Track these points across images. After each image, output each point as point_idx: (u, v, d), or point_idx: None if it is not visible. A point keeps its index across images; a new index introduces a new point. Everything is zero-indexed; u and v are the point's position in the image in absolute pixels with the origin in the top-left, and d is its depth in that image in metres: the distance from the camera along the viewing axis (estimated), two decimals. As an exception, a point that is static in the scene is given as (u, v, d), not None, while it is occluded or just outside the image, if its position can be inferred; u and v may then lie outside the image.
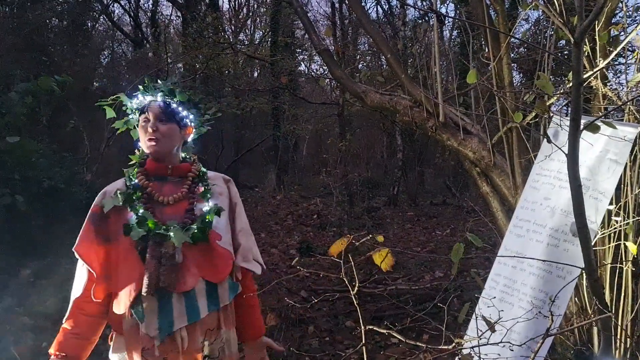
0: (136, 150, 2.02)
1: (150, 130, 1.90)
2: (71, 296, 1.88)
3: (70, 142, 8.99)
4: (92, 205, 1.90)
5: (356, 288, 2.03)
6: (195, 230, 1.86)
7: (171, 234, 1.81)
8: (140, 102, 1.97)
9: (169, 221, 1.86)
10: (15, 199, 5.33)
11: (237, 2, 20.02)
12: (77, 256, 1.86)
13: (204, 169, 2.08)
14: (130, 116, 2.00)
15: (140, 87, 1.97)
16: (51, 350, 1.91)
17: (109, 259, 1.86)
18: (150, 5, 19.17)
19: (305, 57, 15.72)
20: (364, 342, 1.94)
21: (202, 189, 1.99)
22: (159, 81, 1.98)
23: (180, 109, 1.97)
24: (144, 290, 1.78)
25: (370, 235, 2.34)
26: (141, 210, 1.84)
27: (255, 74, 18.11)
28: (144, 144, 1.93)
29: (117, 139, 1.96)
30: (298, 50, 16.24)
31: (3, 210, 5.33)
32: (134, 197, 1.87)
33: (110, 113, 2.03)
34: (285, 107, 14.81)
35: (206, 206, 1.94)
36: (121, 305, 1.82)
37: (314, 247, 7.82)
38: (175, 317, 1.82)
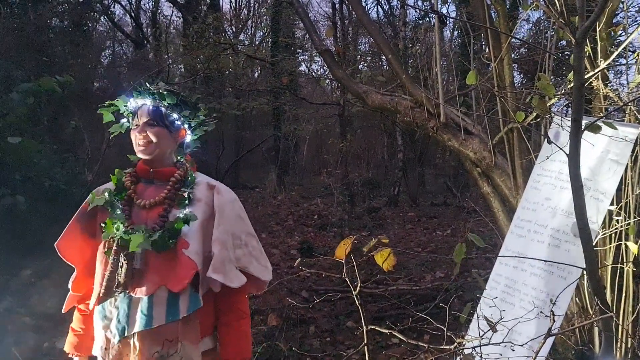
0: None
1: (138, 135, 1.88)
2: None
3: (71, 142, 8.99)
4: (84, 203, 1.96)
5: (358, 288, 2.03)
6: (157, 237, 1.79)
7: (129, 237, 1.79)
8: (133, 105, 1.94)
9: (137, 225, 1.84)
10: (16, 200, 5.33)
11: (237, 2, 20.05)
12: (57, 251, 1.92)
13: (194, 174, 1.99)
14: (125, 119, 1.99)
15: (134, 90, 1.96)
16: (66, 349, 2.01)
17: (92, 254, 1.93)
18: (151, 6, 19.21)
19: (306, 57, 15.73)
20: (365, 342, 1.94)
21: (183, 194, 1.91)
22: (148, 84, 1.94)
23: (169, 111, 1.93)
24: (101, 290, 1.82)
25: (375, 238, 2.34)
26: (117, 212, 1.85)
27: (256, 75, 18.11)
28: (135, 148, 1.92)
29: (118, 139, 1.96)
30: (299, 50, 16.24)
31: (4, 211, 5.33)
32: (115, 198, 1.89)
33: (107, 117, 1.99)
34: (286, 107, 14.82)
35: (181, 213, 1.86)
36: (91, 302, 1.89)
37: (315, 247, 7.82)
38: (130, 321, 1.80)
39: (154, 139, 1.88)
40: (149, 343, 1.80)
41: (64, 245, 1.93)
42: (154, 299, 1.80)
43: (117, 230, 1.82)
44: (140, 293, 1.80)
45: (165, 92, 1.92)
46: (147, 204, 1.87)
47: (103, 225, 1.84)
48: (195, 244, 1.85)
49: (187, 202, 1.89)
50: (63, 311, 1.98)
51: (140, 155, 1.91)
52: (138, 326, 1.78)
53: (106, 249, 1.84)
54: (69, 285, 1.95)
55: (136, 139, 1.89)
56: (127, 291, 1.80)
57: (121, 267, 1.79)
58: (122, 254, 1.80)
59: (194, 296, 1.84)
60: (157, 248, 1.79)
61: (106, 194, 1.90)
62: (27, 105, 5.57)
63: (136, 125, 1.90)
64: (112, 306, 1.83)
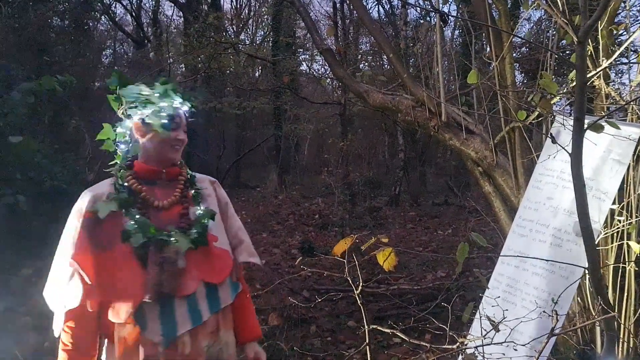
0: (118, 152, 1.97)
1: (176, 136, 1.90)
2: (60, 308, 1.83)
3: (72, 141, 8.99)
4: (81, 211, 1.81)
5: (360, 288, 2.03)
6: (196, 235, 1.86)
7: (173, 239, 1.81)
8: (164, 104, 1.91)
9: (168, 226, 1.84)
10: (17, 199, 5.32)
11: (238, 2, 20.04)
12: (75, 267, 1.77)
13: (191, 172, 2.05)
14: (136, 112, 1.90)
15: (162, 88, 1.92)
16: None
17: (104, 266, 1.79)
18: (152, 5, 19.20)
19: (307, 57, 15.74)
20: (367, 341, 1.94)
21: (192, 192, 1.97)
22: (169, 85, 1.94)
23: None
24: (147, 297, 1.75)
25: (375, 238, 2.34)
26: (137, 216, 1.81)
27: (257, 74, 18.10)
28: (161, 149, 1.89)
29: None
30: (300, 50, 16.24)
31: (5, 210, 5.33)
32: (129, 202, 1.83)
33: (106, 133, 1.96)
34: (287, 107, 14.82)
35: (199, 210, 1.93)
36: (121, 313, 1.77)
37: (316, 247, 7.82)
38: (178, 322, 1.80)
39: (184, 143, 1.94)
40: (200, 338, 1.85)
41: (81, 259, 1.77)
42: (197, 294, 1.85)
43: (153, 233, 1.80)
44: (185, 291, 1.82)
45: (190, 96, 1.97)
46: (165, 204, 1.88)
47: (125, 231, 1.78)
48: (221, 235, 1.98)
49: (200, 198, 1.97)
50: (61, 338, 1.86)
51: (169, 155, 1.91)
52: (188, 324, 1.81)
53: (136, 254, 1.78)
54: (72, 304, 1.78)
55: (171, 140, 1.89)
56: (174, 293, 1.80)
57: (166, 270, 1.79)
58: (164, 256, 1.80)
59: (233, 284, 1.99)
60: (197, 245, 1.85)
61: (113, 199, 1.82)
62: (28, 105, 5.57)
63: (176, 126, 1.90)
64: (150, 311, 1.78)
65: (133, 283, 1.77)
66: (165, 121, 1.89)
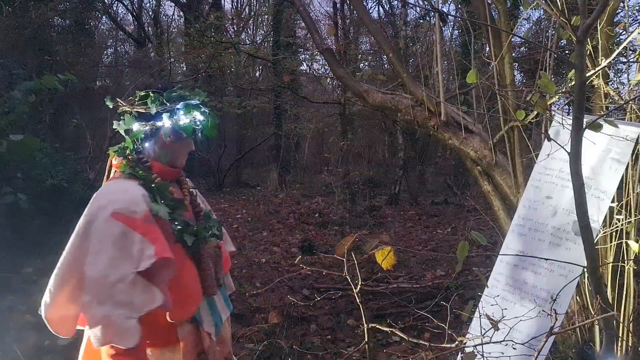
0: (133, 154, 1.92)
1: (189, 145, 1.99)
2: (135, 313, 1.65)
3: (73, 140, 9.01)
4: (138, 212, 1.73)
5: (359, 286, 2.04)
6: (217, 231, 2.03)
7: (211, 233, 1.98)
8: (199, 118, 1.93)
9: (197, 224, 1.96)
10: (18, 198, 5.33)
11: (239, 1, 20.03)
12: (165, 265, 1.72)
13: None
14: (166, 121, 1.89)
15: (191, 98, 1.93)
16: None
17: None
18: (153, 5, 19.20)
19: (307, 56, 15.74)
20: (366, 340, 1.95)
21: (192, 190, 2.12)
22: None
23: None
24: (210, 291, 1.88)
25: (376, 237, 2.35)
26: (182, 218, 1.88)
27: (257, 74, 18.10)
28: (180, 154, 1.97)
29: (120, 137, 1.95)
30: (300, 49, 16.24)
31: (6, 209, 5.33)
32: (180, 205, 1.90)
33: (129, 122, 1.91)
34: (287, 106, 14.82)
35: (204, 208, 2.11)
36: (185, 312, 1.81)
37: (316, 245, 7.83)
38: (220, 311, 1.97)
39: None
40: (227, 324, 2.05)
41: (170, 254, 1.74)
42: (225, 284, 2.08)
43: (201, 232, 1.91)
44: (222, 282, 2.03)
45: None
46: (187, 203, 1.99)
47: (180, 231, 1.83)
48: None
49: (196, 196, 2.12)
50: (134, 345, 1.64)
51: (183, 161, 2.00)
52: (226, 312, 2.03)
53: (189, 253, 1.86)
54: (153, 304, 1.68)
55: (184, 147, 1.97)
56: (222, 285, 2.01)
57: (217, 264, 1.97)
58: (214, 252, 1.96)
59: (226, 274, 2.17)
60: (220, 239, 2.06)
61: (158, 200, 1.82)
62: (29, 104, 5.57)
63: (191, 135, 1.94)
64: (202, 305, 1.90)
65: (194, 281, 1.85)
66: (198, 131, 1.94)
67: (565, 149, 1.82)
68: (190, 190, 2.07)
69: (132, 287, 1.65)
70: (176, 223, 1.83)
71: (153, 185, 1.85)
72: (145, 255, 1.67)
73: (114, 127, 1.95)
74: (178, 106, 1.88)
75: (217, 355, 1.92)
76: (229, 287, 2.18)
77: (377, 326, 2.00)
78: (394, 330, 1.99)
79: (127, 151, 1.93)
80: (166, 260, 1.71)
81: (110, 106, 1.97)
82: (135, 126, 1.89)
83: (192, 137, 1.95)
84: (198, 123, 1.91)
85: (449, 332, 1.99)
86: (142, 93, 1.90)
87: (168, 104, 1.88)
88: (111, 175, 1.97)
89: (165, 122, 1.88)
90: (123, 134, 1.93)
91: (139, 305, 1.65)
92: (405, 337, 1.99)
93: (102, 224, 1.69)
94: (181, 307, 1.79)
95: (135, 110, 1.90)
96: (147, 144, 1.93)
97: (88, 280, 1.66)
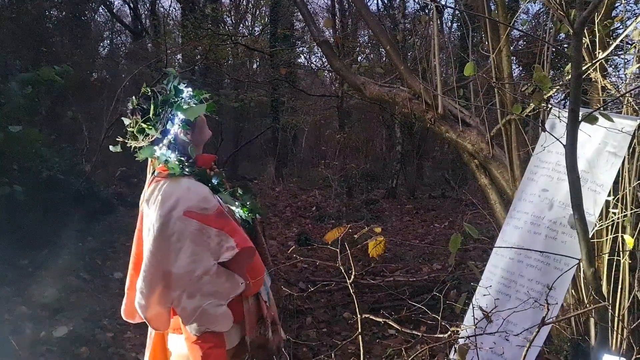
0: (174, 154, 1.99)
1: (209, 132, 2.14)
2: (223, 299, 1.86)
3: (69, 132, 8.96)
4: (209, 208, 1.89)
5: (353, 277, 2.04)
6: (256, 206, 2.15)
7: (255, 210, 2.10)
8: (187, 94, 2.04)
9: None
10: (14, 189, 5.32)
11: (236, -7, 19.92)
12: (245, 254, 1.89)
13: None
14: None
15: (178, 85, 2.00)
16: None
17: None
18: (150, -4, 19.07)
19: (305, 49, 15.67)
20: (360, 330, 1.95)
21: None
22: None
23: None
24: (268, 264, 2.10)
25: (367, 227, 2.36)
26: (238, 201, 2.06)
27: (255, 66, 18.05)
28: (206, 131, 2.10)
29: (116, 130, 1.93)
30: (297, 42, 16.18)
31: (2, 201, 5.32)
32: (232, 191, 2.06)
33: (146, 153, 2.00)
34: (285, 99, 14.77)
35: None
36: (256, 288, 1.98)
37: (312, 238, 7.83)
38: (266, 282, 2.08)
39: None
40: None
41: (251, 243, 1.95)
42: None
43: (251, 211, 2.08)
44: None
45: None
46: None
47: (239, 213, 2.04)
48: None
49: None
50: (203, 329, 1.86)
51: (206, 138, 2.11)
52: (269, 282, 2.14)
53: (248, 234, 2.00)
54: (239, 289, 1.91)
55: (200, 129, 2.07)
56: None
57: (265, 237, 2.19)
58: (260, 226, 2.14)
59: None
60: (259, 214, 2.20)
61: (222, 190, 2.03)
62: (25, 95, 5.56)
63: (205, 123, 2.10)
64: None
65: (259, 258, 2.01)
66: (211, 108, 2.07)
67: (561, 142, 1.82)
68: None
69: (216, 277, 1.82)
70: (232, 207, 2.01)
71: (208, 177, 2.01)
72: (224, 247, 1.83)
73: (137, 158, 2.00)
74: (171, 112, 1.96)
75: (274, 321, 2.07)
76: None
77: (371, 317, 2.00)
78: (387, 320, 1.98)
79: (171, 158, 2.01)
80: (246, 250, 1.88)
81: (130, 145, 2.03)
82: (157, 152, 1.97)
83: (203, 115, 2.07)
84: (191, 98, 2.01)
85: (443, 323, 1.98)
86: (138, 127, 1.97)
87: (161, 119, 1.95)
88: (155, 174, 2.02)
89: (174, 128, 1.97)
90: (149, 160, 2.06)
91: (225, 292, 1.84)
92: (398, 327, 1.99)
93: (176, 224, 1.83)
94: (255, 284, 1.96)
95: (144, 140, 1.98)
96: (175, 152, 1.99)
97: (174, 277, 1.81)
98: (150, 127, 1.94)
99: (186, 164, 1.97)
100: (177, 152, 1.98)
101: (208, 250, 1.81)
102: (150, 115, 1.94)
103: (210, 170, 2.07)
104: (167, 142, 1.96)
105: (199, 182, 1.95)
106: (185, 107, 1.96)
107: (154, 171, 2.04)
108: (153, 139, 1.96)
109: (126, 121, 1.98)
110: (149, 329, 2.06)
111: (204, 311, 1.78)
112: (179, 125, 1.96)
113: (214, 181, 2.02)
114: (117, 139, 2.01)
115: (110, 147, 2.03)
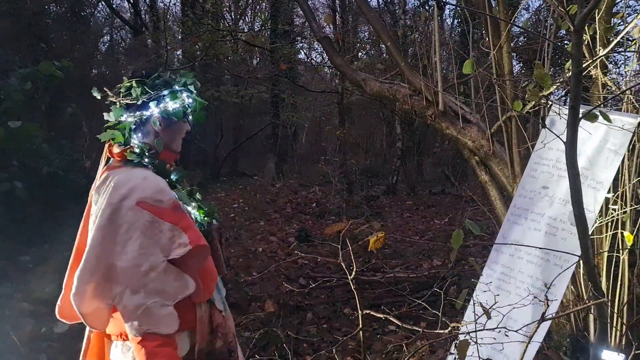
0: (141, 143, 1.92)
1: (187, 130, 2.04)
2: (169, 301, 1.69)
3: (69, 129, 8.96)
4: (164, 201, 1.75)
5: (354, 273, 2.04)
6: (216, 214, 2.04)
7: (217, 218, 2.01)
8: (187, 99, 1.98)
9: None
10: (14, 186, 5.32)
11: (237, -11, 19.88)
12: (197, 253, 1.75)
13: None
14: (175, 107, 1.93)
15: (190, 84, 1.97)
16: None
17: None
18: (150, -8, 19.03)
19: (305, 44, 15.66)
20: (360, 326, 1.96)
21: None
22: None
23: None
24: (222, 271, 1.97)
25: (368, 223, 2.36)
26: (194, 202, 1.95)
27: (255, 62, 18.03)
28: (176, 142, 2.00)
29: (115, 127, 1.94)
30: (298, 38, 16.16)
31: (2, 197, 5.33)
32: (190, 190, 1.97)
33: (117, 113, 1.91)
34: (284, 95, 14.77)
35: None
36: (208, 293, 1.86)
37: (313, 235, 7.84)
38: (221, 290, 2.01)
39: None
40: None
41: (205, 241, 1.79)
42: None
43: (216, 216, 1.98)
44: None
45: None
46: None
47: (195, 215, 1.92)
48: None
49: None
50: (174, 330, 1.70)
51: (179, 145, 2.03)
52: (224, 291, 2.04)
53: (205, 236, 1.88)
54: (187, 291, 1.74)
55: (178, 132, 2.00)
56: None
57: (225, 245, 2.11)
58: (221, 234, 2.02)
59: None
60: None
61: (178, 187, 1.92)
62: (25, 91, 5.55)
63: (182, 119, 1.98)
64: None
65: (212, 263, 1.91)
66: (188, 114, 1.99)
67: (561, 139, 1.82)
68: None
69: (164, 275, 1.67)
70: (188, 207, 1.91)
71: (165, 171, 1.90)
72: (177, 243, 1.69)
73: (105, 118, 1.93)
74: (164, 93, 1.89)
75: (229, 331, 1.96)
76: None
77: (372, 313, 2.00)
78: (388, 316, 1.99)
79: (130, 140, 1.92)
80: (199, 248, 1.74)
81: (98, 97, 1.95)
82: (124, 117, 1.89)
83: (184, 120, 1.98)
84: (187, 106, 1.96)
85: (443, 319, 1.99)
86: (127, 83, 1.90)
87: (153, 92, 1.88)
88: (109, 163, 1.93)
89: (153, 110, 1.89)
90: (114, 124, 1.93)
91: (173, 292, 1.69)
92: (398, 323, 2.00)
93: (128, 214, 1.69)
94: (205, 289, 1.84)
95: (122, 100, 1.89)
96: (139, 134, 1.92)
97: (119, 271, 1.66)
98: (138, 87, 1.87)
99: (146, 153, 1.87)
100: (141, 136, 1.91)
101: (158, 245, 1.68)
102: (147, 82, 1.89)
103: (169, 166, 1.97)
104: (139, 115, 1.88)
105: (157, 174, 1.84)
106: (178, 101, 1.92)
107: (108, 160, 1.95)
108: (131, 103, 1.87)
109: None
110: (86, 331, 1.93)
111: (147, 310, 1.63)
112: (160, 110, 1.89)
113: (173, 177, 1.90)
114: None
115: (105, 115, 1.94)
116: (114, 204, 1.70)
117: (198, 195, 2.02)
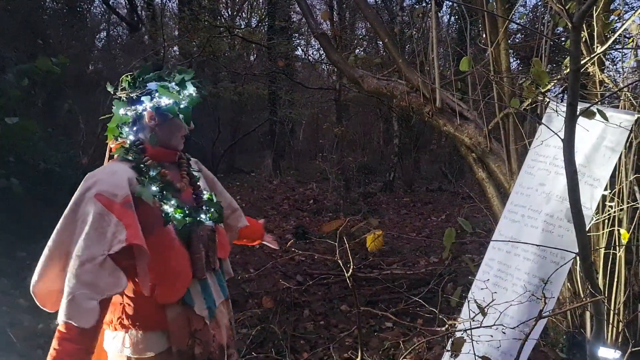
0: (129, 137, 1.94)
1: (185, 127, 1.98)
2: (95, 296, 1.65)
3: (66, 125, 8.94)
4: (118, 195, 1.73)
5: (351, 270, 2.05)
6: (217, 214, 2.02)
7: (205, 218, 1.96)
8: (184, 95, 1.96)
9: (193, 207, 1.96)
10: (11, 182, 5.31)
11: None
12: (141, 251, 1.73)
13: (187, 155, 2.15)
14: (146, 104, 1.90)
15: (182, 78, 1.95)
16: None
17: (152, 250, 1.77)
18: (146, -12, 18.96)
19: (302, 41, 15.65)
20: (357, 324, 1.96)
21: (194, 173, 2.09)
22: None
23: None
24: (199, 274, 1.88)
25: (365, 220, 2.37)
26: (172, 201, 1.87)
27: (252, 58, 18.00)
28: (173, 138, 1.96)
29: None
30: (295, 34, 16.14)
31: (-1, 193, 5.32)
32: (169, 187, 1.89)
33: (118, 106, 1.91)
34: (282, 92, 14.76)
35: (205, 190, 2.08)
36: (173, 294, 1.83)
37: (310, 232, 7.84)
38: (214, 295, 1.96)
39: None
40: (225, 308, 2.06)
41: (141, 242, 1.73)
42: (220, 269, 2.08)
43: (193, 215, 1.91)
44: (217, 266, 2.03)
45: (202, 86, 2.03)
46: (183, 186, 1.97)
47: (167, 214, 1.84)
48: None
49: (198, 179, 2.09)
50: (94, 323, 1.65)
51: (179, 144, 1.99)
52: (221, 296, 2.02)
53: (179, 236, 1.86)
54: (116, 289, 1.69)
55: (174, 128, 1.95)
56: (215, 268, 2.01)
57: (209, 247, 1.95)
58: (206, 235, 1.94)
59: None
60: (219, 223, 2.05)
61: (147, 184, 1.83)
62: (21, 87, 5.53)
63: (177, 115, 1.95)
64: (195, 288, 1.89)
65: (182, 264, 1.85)
66: (186, 112, 1.95)
67: (559, 136, 1.82)
68: (192, 172, 2.07)
69: (99, 268, 1.66)
70: (165, 205, 1.84)
71: (142, 166, 1.86)
72: (117, 239, 1.68)
73: (112, 113, 1.96)
74: (153, 87, 1.89)
75: (211, 340, 1.90)
76: (226, 272, 2.16)
77: (370, 309, 2.01)
78: (385, 313, 1.99)
79: (124, 134, 1.95)
80: (135, 247, 1.72)
81: (111, 91, 1.96)
82: (121, 111, 1.92)
83: (179, 117, 1.94)
84: (182, 103, 1.93)
85: (440, 316, 2.00)
86: (126, 78, 1.93)
87: (146, 87, 1.89)
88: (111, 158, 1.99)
89: (147, 105, 1.90)
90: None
91: (103, 287, 1.66)
92: (396, 319, 2.00)
93: (87, 205, 1.72)
94: (168, 288, 1.82)
95: (121, 95, 1.92)
96: (135, 128, 1.93)
97: (71, 259, 1.69)
98: (131, 82, 1.91)
99: (133, 148, 1.89)
100: (136, 130, 1.92)
101: (103, 238, 1.67)
102: (139, 77, 1.91)
103: (164, 163, 1.95)
104: (134, 110, 1.90)
105: (132, 169, 1.84)
106: (172, 96, 1.90)
107: (109, 155, 2.01)
108: (129, 98, 1.90)
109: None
110: None
111: (74, 299, 1.62)
112: (151, 106, 1.89)
113: (152, 173, 1.87)
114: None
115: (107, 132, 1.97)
116: (78, 195, 1.76)
117: (214, 197, 2.06)
